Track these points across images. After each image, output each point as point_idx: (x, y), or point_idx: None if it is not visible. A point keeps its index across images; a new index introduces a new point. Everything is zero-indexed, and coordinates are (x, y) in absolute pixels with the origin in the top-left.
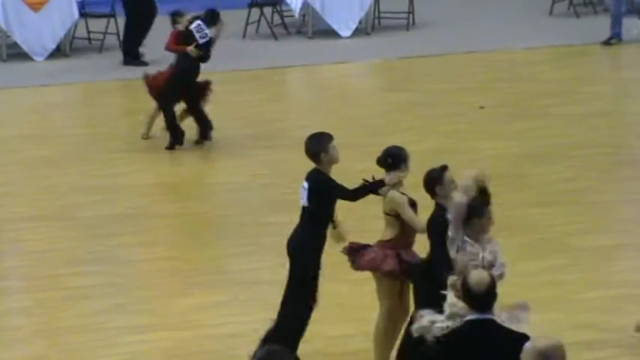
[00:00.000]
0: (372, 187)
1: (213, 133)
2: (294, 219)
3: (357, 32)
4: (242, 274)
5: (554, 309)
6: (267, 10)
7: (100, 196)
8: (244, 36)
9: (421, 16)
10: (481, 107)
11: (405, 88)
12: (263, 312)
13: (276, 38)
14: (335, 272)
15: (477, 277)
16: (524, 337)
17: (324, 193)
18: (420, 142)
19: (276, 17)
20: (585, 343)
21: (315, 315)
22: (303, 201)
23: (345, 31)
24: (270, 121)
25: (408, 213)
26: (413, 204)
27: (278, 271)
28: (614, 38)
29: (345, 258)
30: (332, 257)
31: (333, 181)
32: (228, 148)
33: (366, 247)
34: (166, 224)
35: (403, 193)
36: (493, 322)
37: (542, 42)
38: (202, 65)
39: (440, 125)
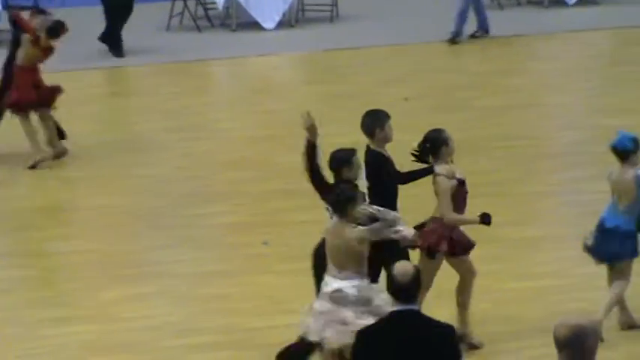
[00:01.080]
0: (421, 174)
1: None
2: (217, 210)
3: (281, 25)
4: (166, 267)
5: (479, 300)
6: (191, 2)
7: (22, 190)
8: (168, 28)
9: (344, 8)
10: (405, 99)
11: (329, 80)
12: (187, 304)
13: (199, 31)
14: (260, 264)
15: (402, 268)
16: (449, 327)
17: (381, 176)
18: (344, 135)
19: (200, 10)
20: (510, 333)
21: (240, 306)
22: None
23: (269, 24)
24: (193, 114)
25: (445, 200)
26: (462, 183)
27: (202, 263)
28: (479, 30)
29: (268, 250)
30: (256, 249)
31: (387, 167)
32: (152, 140)
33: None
34: (90, 217)
35: (454, 177)
36: (418, 312)
37: (465, 34)
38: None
39: None
